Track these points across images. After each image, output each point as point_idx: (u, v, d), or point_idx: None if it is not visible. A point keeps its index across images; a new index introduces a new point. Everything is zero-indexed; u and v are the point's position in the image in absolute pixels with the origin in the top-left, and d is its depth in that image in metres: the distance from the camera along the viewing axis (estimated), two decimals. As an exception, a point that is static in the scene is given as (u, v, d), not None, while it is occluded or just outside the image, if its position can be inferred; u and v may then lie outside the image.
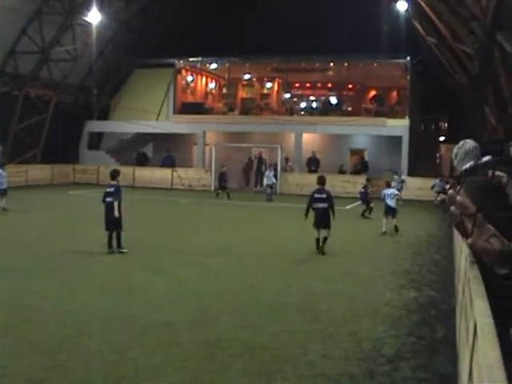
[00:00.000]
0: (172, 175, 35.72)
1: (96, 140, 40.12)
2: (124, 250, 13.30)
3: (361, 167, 35.22)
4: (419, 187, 31.37)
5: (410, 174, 32.35)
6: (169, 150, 37.21)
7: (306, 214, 14.26)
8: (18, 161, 32.99)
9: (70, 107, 37.50)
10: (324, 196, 14.18)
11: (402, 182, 28.67)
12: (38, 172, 34.10)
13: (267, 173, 30.20)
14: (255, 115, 37.00)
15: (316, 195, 14.25)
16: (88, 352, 7.12)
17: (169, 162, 37.06)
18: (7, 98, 32.56)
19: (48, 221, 19.15)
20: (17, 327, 7.93)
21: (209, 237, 16.79)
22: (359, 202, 23.93)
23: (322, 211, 14.13)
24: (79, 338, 7.62)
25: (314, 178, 29.97)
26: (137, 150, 38.74)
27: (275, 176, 31.25)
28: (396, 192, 19.48)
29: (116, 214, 13.24)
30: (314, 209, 14.21)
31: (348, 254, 14.80)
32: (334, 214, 14.24)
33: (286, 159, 35.49)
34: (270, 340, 7.76)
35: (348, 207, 26.19)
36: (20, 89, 32.91)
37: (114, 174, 13.93)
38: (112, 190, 13.52)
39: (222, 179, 29.60)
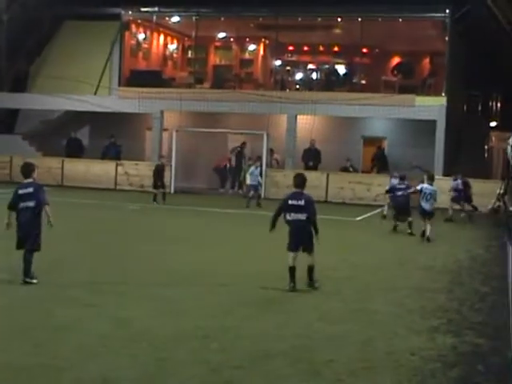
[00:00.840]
0: (116, 171, 35.64)
1: (8, 120, 39.95)
2: (34, 281, 13.02)
3: (378, 163, 35.41)
4: (459, 192, 31.53)
5: (447, 173, 32.54)
6: (112, 135, 37.11)
7: (272, 227, 13.65)
8: None
9: (-29, 74, 37.33)
10: (301, 203, 13.30)
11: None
12: None
13: (251, 169, 30.19)
14: (232, 89, 37.03)
15: (290, 202, 13.41)
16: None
17: (112, 153, 36.99)
18: None
19: None
20: None
21: (166, 257, 16.71)
22: (378, 210, 23.94)
23: (299, 226, 13.34)
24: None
25: (312, 176, 30.47)
26: (67, 135, 38.58)
27: (261, 174, 31.28)
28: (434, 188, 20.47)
29: (47, 223, 13.09)
30: (287, 222, 13.48)
31: (357, 282, 14.77)
32: (316, 232, 13.41)
33: (271, 151, 35.51)
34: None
35: (359, 218, 26.30)
36: None
37: (29, 170, 13.44)
38: (31, 190, 13.21)
39: (159, 175, 29.87)
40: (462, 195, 27.56)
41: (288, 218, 13.38)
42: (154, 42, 41.03)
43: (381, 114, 34.46)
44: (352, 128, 36.98)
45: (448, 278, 15.90)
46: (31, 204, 12.98)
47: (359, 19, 35.60)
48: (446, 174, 32.33)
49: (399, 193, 23.19)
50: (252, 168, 30.26)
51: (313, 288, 13.56)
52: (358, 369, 9.00)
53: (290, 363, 9.10)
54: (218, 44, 42.38)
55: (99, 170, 35.88)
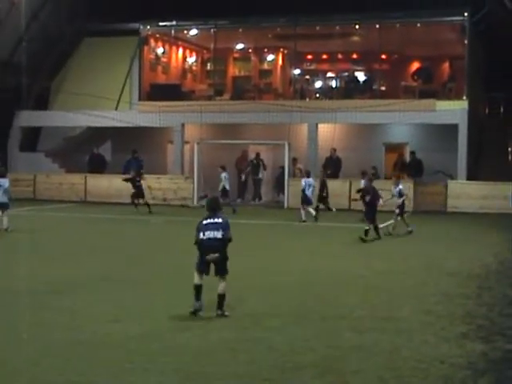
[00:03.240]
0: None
1: (31, 138, 40.17)
2: None
3: (402, 168, 35.29)
4: (483, 195, 31.40)
5: (471, 177, 32.38)
6: (135, 151, 37.19)
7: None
8: None
9: (-6, 92, 37.57)
10: (219, 220, 12.41)
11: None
12: None
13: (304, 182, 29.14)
14: (252, 100, 37.07)
15: (205, 221, 12.42)
16: None
17: (134, 167, 37.00)
18: None
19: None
20: None
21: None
22: (398, 218, 23.95)
23: (213, 244, 12.24)
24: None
25: (334, 185, 30.35)
26: (89, 151, 38.74)
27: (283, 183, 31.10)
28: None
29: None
30: (199, 241, 12.32)
31: (384, 290, 14.71)
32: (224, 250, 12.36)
33: (294, 160, 35.52)
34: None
35: (382, 225, 26.13)
36: None
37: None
38: None
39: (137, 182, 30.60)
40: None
41: (201, 236, 12.26)
42: (173, 56, 41.14)
43: (402, 120, 34.33)
44: (373, 135, 36.87)
45: (476, 283, 15.79)
46: None
47: (377, 26, 35.52)
48: (470, 177, 32.16)
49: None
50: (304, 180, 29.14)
51: (223, 316, 12.15)
52: (387, 378, 8.95)
53: (319, 374, 9.07)
54: (236, 55, 42.43)
55: (121, 185, 35.87)
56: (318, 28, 36.96)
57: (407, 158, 36.35)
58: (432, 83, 37.02)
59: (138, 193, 30.61)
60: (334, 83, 39.88)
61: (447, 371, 9.29)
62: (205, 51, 41.89)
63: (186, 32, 39.68)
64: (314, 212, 27.38)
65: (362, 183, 25.15)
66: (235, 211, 29.70)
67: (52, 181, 35.65)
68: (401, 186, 24.61)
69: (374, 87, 37.82)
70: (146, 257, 19.00)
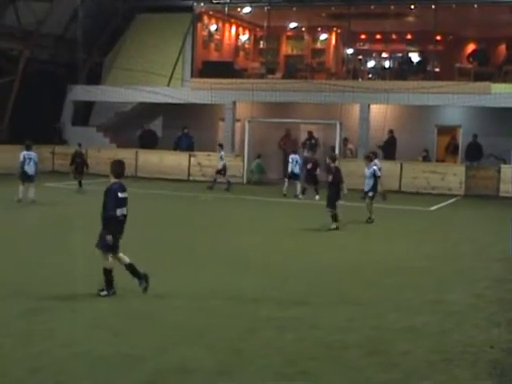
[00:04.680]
0: (189, 162, 35.86)
1: (83, 112, 40.52)
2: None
3: (454, 151, 35.02)
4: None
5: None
6: (185, 127, 37.32)
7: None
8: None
9: (47, 66, 37.93)
10: (126, 195, 11.73)
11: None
12: (2, 156, 34.47)
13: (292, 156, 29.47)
14: (304, 79, 36.93)
15: (120, 194, 11.61)
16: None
17: (185, 144, 37.20)
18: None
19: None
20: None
21: (240, 246, 16.79)
22: (452, 200, 23.36)
23: (124, 222, 11.68)
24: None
25: (385, 166, 30.05)
26: (141, 126, 38.97)
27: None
28: None
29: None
30: (114, 218, 11.49)
31: (433, 273, 14.66)
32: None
33: (345, 140, 35.39)
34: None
35: (434, 208, 26.02)
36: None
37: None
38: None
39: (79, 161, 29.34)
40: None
41: (118, 213, 11.49)
42: (226, 33, 41.18)
43: (455, 102, 33.93)
44: (426, 117, 36.51)
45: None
46: None
47: (433, 6, 35.05)
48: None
49: None
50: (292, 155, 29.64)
51: (99, 295, 11.49)
52: (435, 361, 8.93)
53: (366, 354, 9.08)
54: (289, 34, 42.33)
55: (172, 161, 36.12)
56: (372, 7, 36.56)
57: (459, 140, 36.01)
58: (487, 65, 36.50)
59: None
60: (387, 64, 39.59)
61: (497, 356, 9.22)
62: (258, 29, 41.83)
63: (239, 10, 39.58)
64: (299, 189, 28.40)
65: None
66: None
67: (103, 155, 35.87)
68: (376, 166, 21.95)
69: (428, 68, 37.45)
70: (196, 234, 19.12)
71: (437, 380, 8.25)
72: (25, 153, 24.12)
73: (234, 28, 41.53)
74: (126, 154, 35.48)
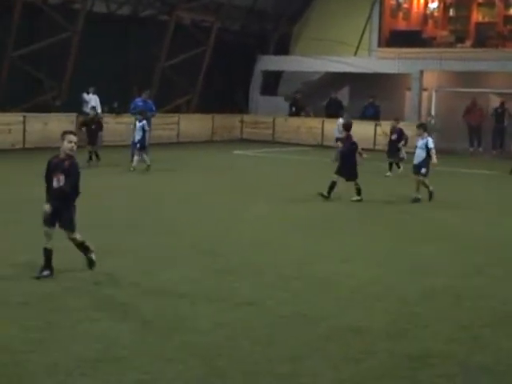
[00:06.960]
0: (375, 131, 35.87)
1: (272, 82, 41.21)
2: None
3: None
4: None
5: None
6: (372, 96, 37.25)
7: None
8: (166, 108, 34.18)
9: (238, 37, 38.79)
10: (64, 165, 10.41)
11: None
12: (194, 124, 35.64)
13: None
14: (495, 48, 36.00)
15: (56, 161, 10.58)
16: (252, 360, 7.68)
17: (370, 113, 37.20)
18: (154, 24, 34.17)
19: (207, 189, 20.14)
20: (164, 326, 8.67)
21: (429, 218, 16.89)
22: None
23: (59, 195, 10.42)
24: (241, 341, 8.20)
25: None
26: (327, 96, 39.22)
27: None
28: None
29: None
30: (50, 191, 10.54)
31: None
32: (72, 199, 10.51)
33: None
34: (494, 360, 7.86)
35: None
36: (170, 13, 34.30)
37: None
38: None
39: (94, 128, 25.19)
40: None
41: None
42: (415, 2, 40.61)
43: None
44: None
45: None
46: None
47: None
48: None
49: None
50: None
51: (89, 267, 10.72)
52: None
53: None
54: (480, 1, 41.23)
55: (358, 130, 36.13)
56: None
57: None
58: None
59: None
60: None
61: None
62: (448, -4, 41.06)
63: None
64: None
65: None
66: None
67: (290, 124, 36.52)
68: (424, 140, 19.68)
69: None
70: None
71: None
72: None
73: (423, -5, 40.97)
74: (313, 123, 36.00)
